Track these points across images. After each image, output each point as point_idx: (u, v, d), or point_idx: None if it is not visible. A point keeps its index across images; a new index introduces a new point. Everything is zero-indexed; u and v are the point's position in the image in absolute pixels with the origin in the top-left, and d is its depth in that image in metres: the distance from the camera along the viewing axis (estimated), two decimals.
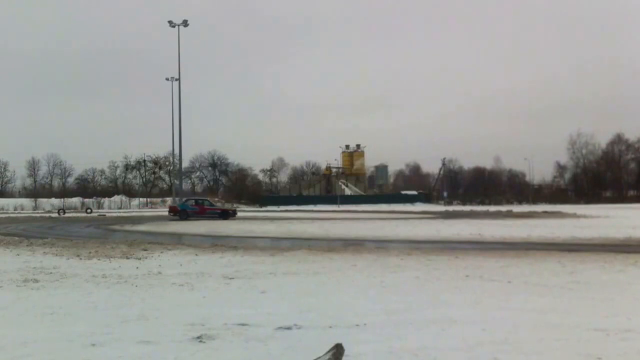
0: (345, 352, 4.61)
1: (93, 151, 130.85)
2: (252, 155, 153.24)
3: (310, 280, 9.26)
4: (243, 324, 5.87)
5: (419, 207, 73.27)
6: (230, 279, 9.34)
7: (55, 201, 73.06)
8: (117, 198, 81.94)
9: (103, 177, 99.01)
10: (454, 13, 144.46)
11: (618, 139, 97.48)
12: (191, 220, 35.91)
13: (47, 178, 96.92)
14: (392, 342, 5.14)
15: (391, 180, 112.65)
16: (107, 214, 54.97)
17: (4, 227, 29.66)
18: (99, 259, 12.61)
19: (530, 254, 12.94)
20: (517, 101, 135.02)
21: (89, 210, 60.33)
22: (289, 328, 5.73)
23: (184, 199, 46.07)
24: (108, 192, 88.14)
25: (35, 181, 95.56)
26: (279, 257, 12.83)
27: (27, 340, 5.31)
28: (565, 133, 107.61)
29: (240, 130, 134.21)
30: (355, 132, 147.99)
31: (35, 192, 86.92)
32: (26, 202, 74.09)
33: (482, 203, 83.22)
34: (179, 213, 38.76)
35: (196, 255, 13.32)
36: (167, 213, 42.73)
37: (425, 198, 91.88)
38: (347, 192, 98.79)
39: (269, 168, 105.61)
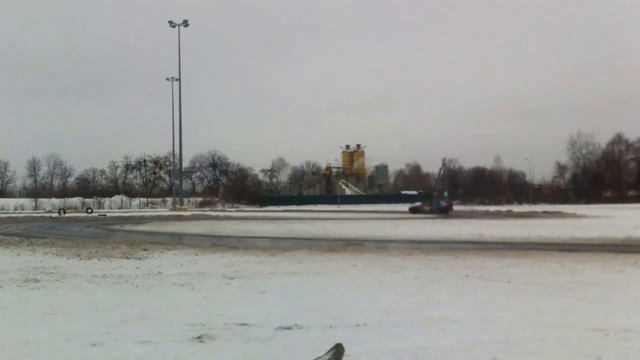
0: (345, 352, 4.61)
1: (93, 151, 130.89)
2: (252, 155, 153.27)
3: (310, 280, 9.27)
4: (243, 324, 5.87)
5: None
6: (231, 279, 9.35)
7: (56, 201, 73.06)
8: (117, 198, 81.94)
9: (103, 177, 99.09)
10: (455, 13, 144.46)
11: (618, 139, 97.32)
12: (193, 220, 35.86)
13: (47, 178, 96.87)
14: (392, 342, 5.15)
15: (391, 180, 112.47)
16: (108, 214, 54.97)
17: (5, 227, 29.69)
18: (99, 259, 12.62)
19: (530, 254, 12.94)
20: (517, 101, 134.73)
21: (89, 210, 60.30)
22: (289, 328, 5.73)
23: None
24: (108, 192, 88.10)
25: (35, 181, 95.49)
26: (279, 257, 12.83)
27: (28, 340, 5.31)
28: (565, 133, 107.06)
29: (240, 130, 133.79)
30: (355, 132, 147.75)
31: (35, 192, 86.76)
32: (26, 202, 74.06)
33: (482, 203, 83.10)
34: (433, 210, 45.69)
35: (196, 255, 13.33)
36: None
37: (426, 198, 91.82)
38: (347, 192, 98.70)
39: (269, 168, 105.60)
